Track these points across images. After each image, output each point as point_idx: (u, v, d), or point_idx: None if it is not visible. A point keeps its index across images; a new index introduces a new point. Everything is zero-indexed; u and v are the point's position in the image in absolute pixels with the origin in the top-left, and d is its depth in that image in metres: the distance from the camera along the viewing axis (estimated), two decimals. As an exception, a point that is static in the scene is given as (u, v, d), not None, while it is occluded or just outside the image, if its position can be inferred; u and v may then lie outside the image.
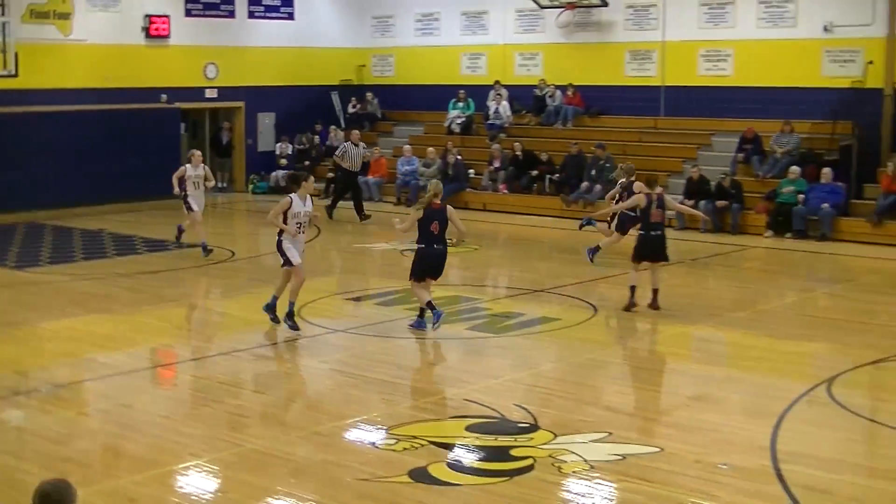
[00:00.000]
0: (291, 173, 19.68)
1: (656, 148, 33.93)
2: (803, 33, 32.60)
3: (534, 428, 13.26)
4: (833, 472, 12.06)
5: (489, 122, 37.30)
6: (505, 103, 37.33)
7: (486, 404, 14.19)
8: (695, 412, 14.20)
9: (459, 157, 35.00)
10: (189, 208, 25.20)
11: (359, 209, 31.89)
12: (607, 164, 32.07)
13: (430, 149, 35.74)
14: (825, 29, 32.19)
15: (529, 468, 11.92)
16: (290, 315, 17.73)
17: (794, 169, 29.69)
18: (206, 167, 26.85)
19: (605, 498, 11.36)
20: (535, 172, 33.92)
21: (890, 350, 17.49)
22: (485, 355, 17.52)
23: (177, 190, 25.11)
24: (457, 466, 12.02)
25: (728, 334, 19.12)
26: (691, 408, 14.45)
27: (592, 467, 11.94)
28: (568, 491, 11.42)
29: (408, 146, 36.39)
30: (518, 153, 34.51)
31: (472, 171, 35.13)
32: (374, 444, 12.87)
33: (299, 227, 17.81)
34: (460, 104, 38.35)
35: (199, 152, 26.88)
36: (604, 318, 19.47)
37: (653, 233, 19.74)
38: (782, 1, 33.04)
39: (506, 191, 34.05)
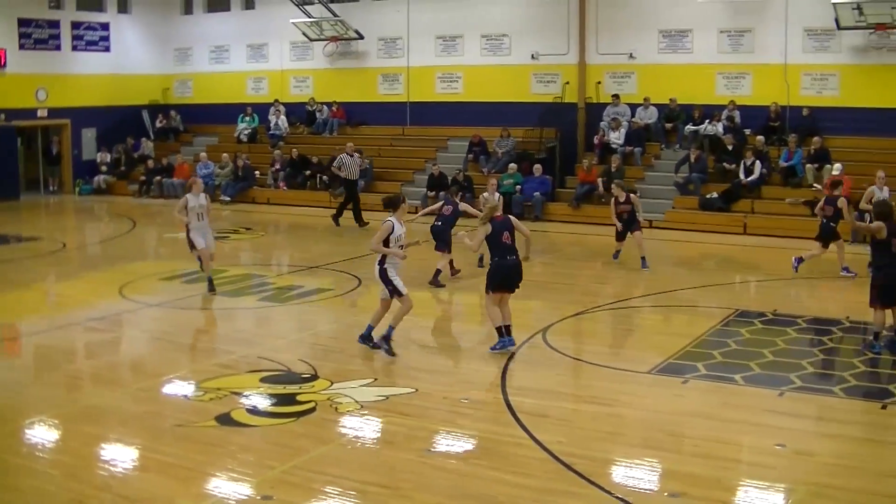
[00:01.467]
0: (389, 197, 15.24)
1: (404, 151, 34.32)
2: (516, 60, 33.32)
3: (314, 377, 13.24)
4: (549, 400, 12.33)
5: (271, 132, 37.11)
6: (283, 117, 37.28)
7: (276, 360, 14.13)
8: (441, 359, 14.37)
9: (247, 161, 34.69)
10: (192, 245, 19.01)
11: (357, 216, 28.45)
12: (367, 166, 32.23)
13: (224, 155, 35.44)
14: (532, 57, 32.96)
15: (312, 410, 11.92)
16: (386, 338, 14.40)
17: (512, 165, 30.26)
18: (208, 197, 19.96)
19: (374, 430, 11.40)
20: (308, 172, 33.87)
21: (588, 304, 17.96)
22: (273, 321, 17.39)
23: (185, 219, 18.75)
24: (254, 411, 11.94)
25: (465, 296, 19.33)
26: (438, 355, 14.61)
27: (363, 407, 12.00)
28: (344, 426, 11.45)
29: (204, 153, 35.78)
30: (294, 157, 34.38)
31: (257, 172, 34.77)
32: (186, 396, 12.69)
33: (402, 250, 14.76)
34: (247, 118, 38.06)
35: (200, 180, 20.04)
36: (365, 288, 19.49)
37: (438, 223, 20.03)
38: (499, 35, 33.71)
39: (285, 188, 33.81)
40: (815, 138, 28.05)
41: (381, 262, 14.40)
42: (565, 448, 10.53)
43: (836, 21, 28.17)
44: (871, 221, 15.02)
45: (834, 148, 28.05)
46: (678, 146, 30.52)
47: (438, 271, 19.73)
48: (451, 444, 11.07)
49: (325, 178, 33.06)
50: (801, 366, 13.75)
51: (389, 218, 14.47)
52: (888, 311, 14.57)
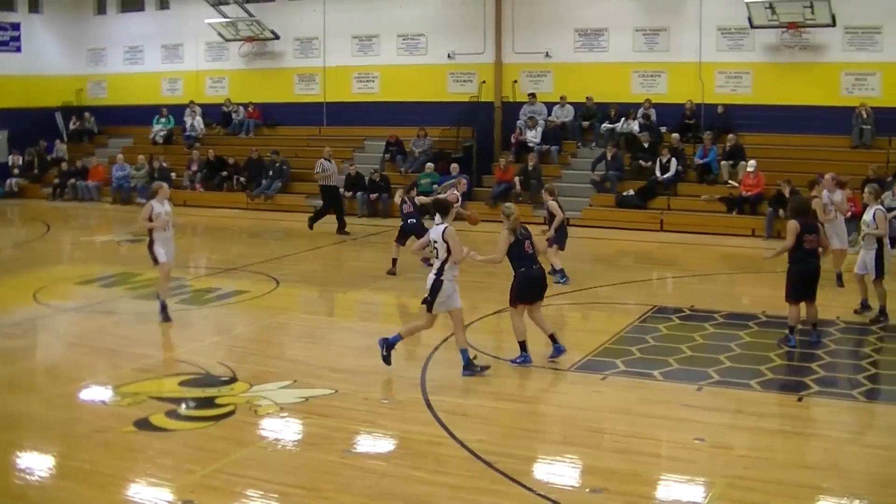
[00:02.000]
0: (437, 199, 14.86)
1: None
2: (432, 60, 33.36)
3: (233, 380, 13.15)
4: (469, 399, 12.39)
5: (186, 133, 36.73)
6: (199, 118, 36.89)
7: (195, 363, 14.02)
8: (361, 359, 14.26)
9: (164, 163, 34.26)
10: (156, 259, 16.63)
11: (341, 223, 27.17)
12: (284, 166, 32.15)
13: (140, 156, 34.86)
14: (449, 56, 33.03)
15: (232, 413, 11.84)
16: (391, 344, 13.58)
17: (429, 165, 30.29)
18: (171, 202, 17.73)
19: (294, 432, 11.37)
20: (224, 174, 33.59)
21: (507, 302, 17.98)
22: (191, 323, 17.19)
23: (153, 224, 16.54)
24: (173, 415, 11.82)
25: (383, 297, 19.34)
26: (358, 356, 14.54)
27: (282, 409, 11.95)
28: (264, 429, 11.41)
29: (120, 155, 35.23)
30: (211, 158, 34.09)
31: (174, 173, 34.29)
32: (104, 401, 12.54)
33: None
34: (163, 120, 37.59)
35: (165, 185, 17.75)
36: (283, 289, 19.39)
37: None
38: (416, 35, 33.72)
39: (202, 189, 33.48)
40: (730, 135, 28.46)
41: (441, 271, 13.41)
42: (486, 446, 10.56)
43: (750, 20, 28.60)
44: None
45: (748, 145, 28.46)
46: (595, 144, 30.77)
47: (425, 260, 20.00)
48: (371, 444, 11.06)
49: (241, 179, 32.89)
50: (719, 360, 13.94)
51: (446, 225, 13.66)
52: (802, 305, 14.84)
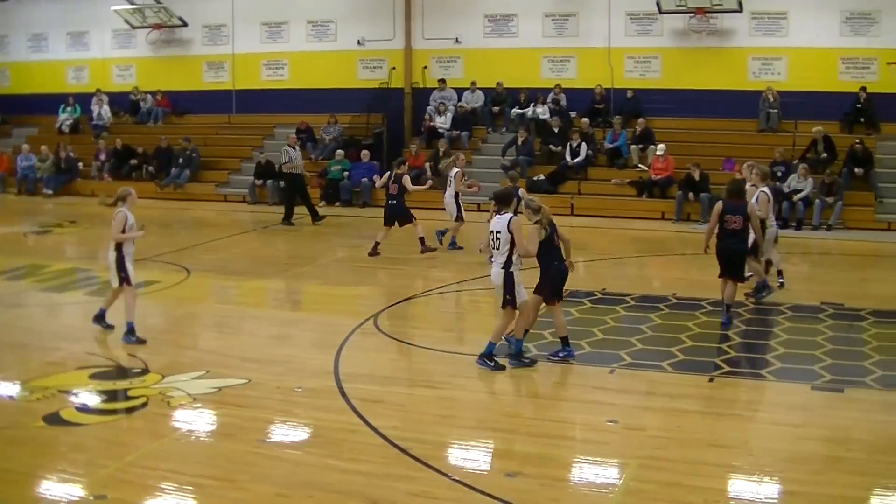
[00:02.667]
0: (499, 192, 13.52)
1: (230, 139, 34.07)
2: (342, 46, 33.34)
3: (145, 372, 12.99)
4: (383, 386, 12.35)
5: (93, 122, 36.38)
6: (106, 107, 36.51)
7: (105, 355, 13.85)
8: (273, 348, 14.21)
9: (70, 153, 33.80)
10: (128, 279, 14.52)
11: (312, 211, 26.58)
12: (193, 154, 31.89)
13: (43, 147, 34.33)
14: (359, 43, 33.03)
15: (144, 405, 11.68)
16: (513, 355, 13.18)
17: (340, 152, 30.29)
18: None
19: (208, 423, 11.27)
20: (133, 163, 33.23)
21: (417, 289, 18.09)
22: (101, 315, 16.99)
23: (127, 236, 14.48)
24: (84, 409, 11.64)
25: (295, 285, 19.27)
26: (271, 345, 14.48)
27: (195, 399, 11.84)
28: (177, 420, 11.27)
29: (25, 145, 34.71)
30: (119, 147, 33.68)
31: (80, 163, 33.92)
32: (11, 396, 12.33)
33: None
34: (69, 108, 37.07)
35: (133, 190, 15.01)
36: (195, 279, 19.22)
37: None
38: (325, 21, 33.62)
39: (110, 179, 32.95)
40: (640, 120, 28.81)
41: (507, 265, 12.91)
42: (401, 433, 10.57)
43: (658, 5, 28.96)
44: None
45: (657, 129, 28.82)
46: (505, 129, 30.92)
47: (422, 239, 20.74)
48: (286, 433, 11.01)
49: (150, 168, 32.56)
50: (631, 343, 14.10)
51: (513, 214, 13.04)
52: (729, 283, 15.23)
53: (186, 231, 26.21)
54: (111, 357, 13.73)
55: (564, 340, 13.48)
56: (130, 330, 14.47)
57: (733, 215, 15.02)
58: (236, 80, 35.35)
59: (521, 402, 11.77)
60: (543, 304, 13.74)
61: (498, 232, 12.94)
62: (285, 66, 34.59)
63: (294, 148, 27.02)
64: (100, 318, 15.08)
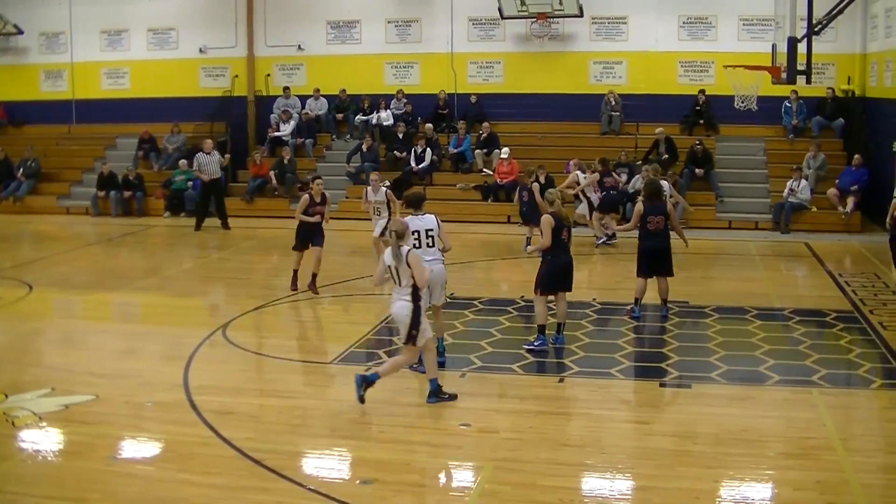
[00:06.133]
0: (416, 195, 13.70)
1: (71, 150, 33.32)
2: (184, 54, 32.98)
3: (-12, 391, 12.70)
4: (234, 397, 12.28)
5: (-75, 135, 35.07)
6: (-62, 119, 35.26)
7: (-55, 375, 13.47)
8: (121, 363, 13.98)
9: None
10: None
11: (223, 218, 26.32)
12: (32, 164, 31.12)
13: None
14: (201, 50, 32.71)
15: (-13, 425, 11.42)
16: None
17: (183, 162, 29.83)
18: None
19: (56, 442, 11.02)
20: (-31, 175, 32.27)
21: (266, 298, 17.98)
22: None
23: None
24: (-77, 431, 11.33)
25: (141, 297, 18.96)
26: (118, 359, 14.24)
27: (41, 418, 11.57)
28: (23, 441, 10.99)
29: None
30: (-47, 160, 32.66)
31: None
32: None
33: None
34: None
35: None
36: (37, 294, 18.77)
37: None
38: (166, 29, 33.24)
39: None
40: (484, 124, 29.11)
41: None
42: (253, 444, 10.52)
43: (500, 10, 29.29)
44: None
45: (501, 133, 29.21)
46: (349, 136, 30.95)
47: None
48: (137, 449, 10.85)
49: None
50: (481, 346, 14.27)
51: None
52: (647, 281, 15.97)
53: (27, 245, 25.56)
54: (-49, 377, 13.35)
55: (541, 329, 13.97)
56: None
57: (655, 216, 15.65)
58: (76, 89, 34.58)
59: (372, 408, 11.77)
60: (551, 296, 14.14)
61: (429, 230, 12.93)
62: (126, 75, 33.99)
63: (208, 153, 26.53)
64: None
